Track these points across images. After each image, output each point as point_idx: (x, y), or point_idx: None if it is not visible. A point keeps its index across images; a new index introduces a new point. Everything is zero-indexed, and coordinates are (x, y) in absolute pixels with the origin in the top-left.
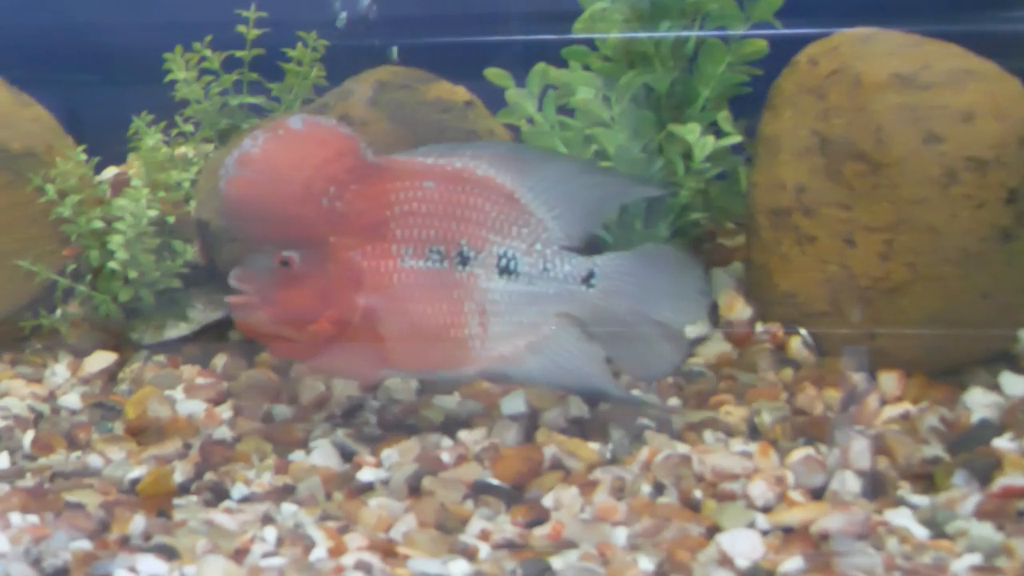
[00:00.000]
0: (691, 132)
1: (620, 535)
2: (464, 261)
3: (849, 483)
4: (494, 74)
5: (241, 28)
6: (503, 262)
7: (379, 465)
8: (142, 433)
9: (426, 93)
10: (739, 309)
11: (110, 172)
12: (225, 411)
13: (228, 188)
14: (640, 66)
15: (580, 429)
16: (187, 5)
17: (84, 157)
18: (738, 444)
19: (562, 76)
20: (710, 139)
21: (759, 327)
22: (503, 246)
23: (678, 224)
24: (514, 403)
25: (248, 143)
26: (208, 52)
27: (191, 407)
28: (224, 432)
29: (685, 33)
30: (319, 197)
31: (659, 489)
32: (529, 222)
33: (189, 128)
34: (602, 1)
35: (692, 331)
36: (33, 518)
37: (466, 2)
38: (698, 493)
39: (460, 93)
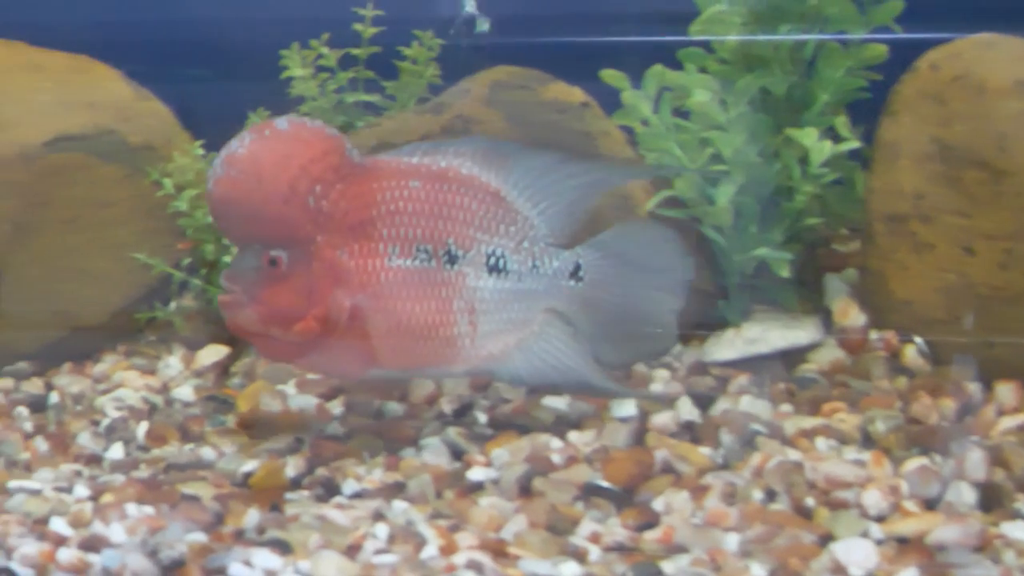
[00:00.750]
0: (808, 136)
1: (732, 541)
2: (452, 260)
3: (964, 494)
4: (610, 75)
5: (358, 26)
6: (492, 260)
7: (489, 464)
8: (254, 427)
9: (542, 93)
10: (853, 316)
11: None
12: (336, 407)
13: (214, 188)
14: (758, 69)
15: (691, 433)
16: (305, 2)
17: (201, 152)
18: (851, 452)
19: (678, 78)
20: (827, 144)
21: (873, 334)
22: (491, 244)
23: (793, 229)
24: (625, 406)
25: (235, 143)
26: (325, 49)
27: (303, 402)
28: (335, 428)
29: (804, 36)
30: (304, 197)
31: (771, 495)
32: (516, 220)
33: None
34: (720, 4)
35: (805, 337)
36: (148, 509)
37: (582, 3)
38: (810, 500)
39: (576, 94)
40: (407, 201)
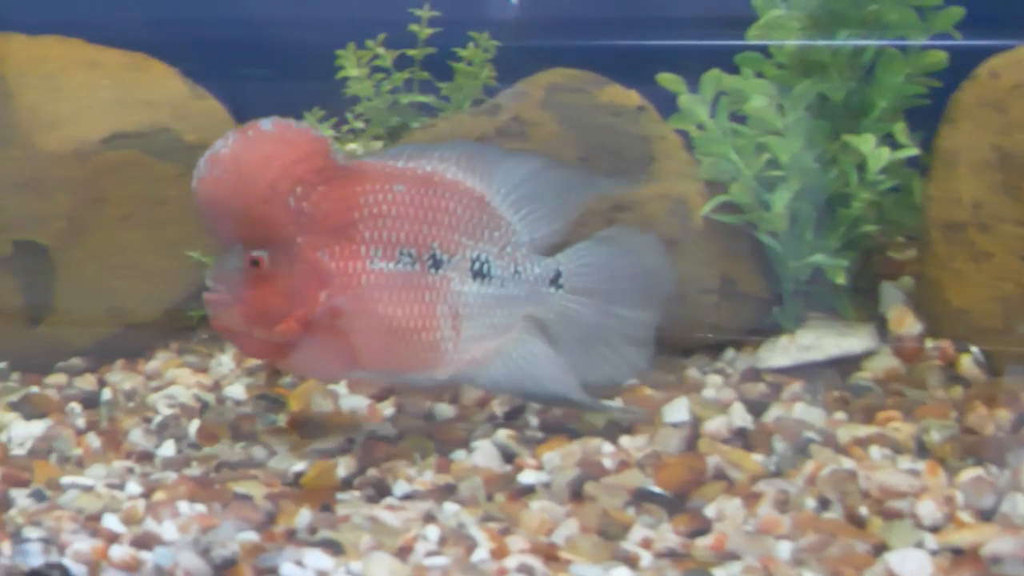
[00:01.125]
0: (866, 143)
1: (784, 549)
2: (437, 264)
3: (1020, 506)
4: (667, 79)
5: (414, 27)
6: (476, 265)
7: (540, 468)
8: (305, 426)
9: (598, 97)
10: (909, 324)
11: None
12: (387, 408)
13: (198, 187)
14: (816, 75)
15: (743, 440)
16: (361, 3)
17: None
18: (906, 462)
19: (735, 83)
20: (885, 151)
21: (929, 343)
22: (476, 249)
23: (849, 236)
24: (677, 411)
25: (219, 143)
26: (381, 50)
27: (354, 402)
28: (387, 429)
29: (863, 42)
30: (285, 197)
31: (824, 504)
32: (499, 225)
33: (359, 125)
34: (778, 8)
35: (859, 345)
36: (200, 507)
37: (638, 6)
38: (864, 510)
39: (632, 98)
40: (390, 204)
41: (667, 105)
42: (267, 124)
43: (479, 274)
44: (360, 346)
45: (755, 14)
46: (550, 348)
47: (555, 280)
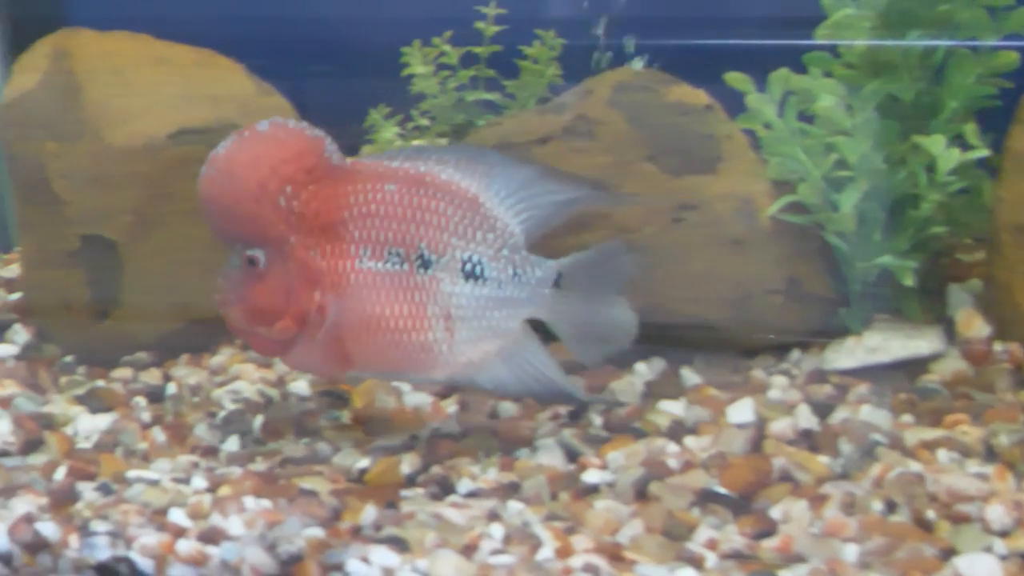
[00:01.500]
0: (936, 144)
1: (851, 552)
2: (426, 264)
3: None
4: (735, 78)
5: (480, 24)
6: (468, 267)
7: (604, 467)
8: (369, 423)
9: (666, 95)
10: (977, 327)
11: None
12: (451, 405)
13: (199, 186)
14: (886, 75)
15: (809, 441)
16: (426, 0)
17: None
18: (974, 465)
19: (803, 82)
20: (955, 152)
21: (998, 346)
22: (467, 250)
23: (918, 237)
24: (742, 411)
25: (220, 144)
26: (447, 47)
27: (418, 399)
28: (450, 426)
29: (934, 43)
30: (275, 196)
31: (891, 507)
32: (494, 227)
33: (424, 122)
34: (848, 8)
35: (927, 347)
36: (266, 503)
37: (706, 5)
38: (931, 513)
39: (700, 97)
40: (379, 204)
41: (733, 105)
42: (263, 125)
43: (471, 275)
44: (351, 345)
45: (823, 14)
46: (545, 348)
47: (557, 282)
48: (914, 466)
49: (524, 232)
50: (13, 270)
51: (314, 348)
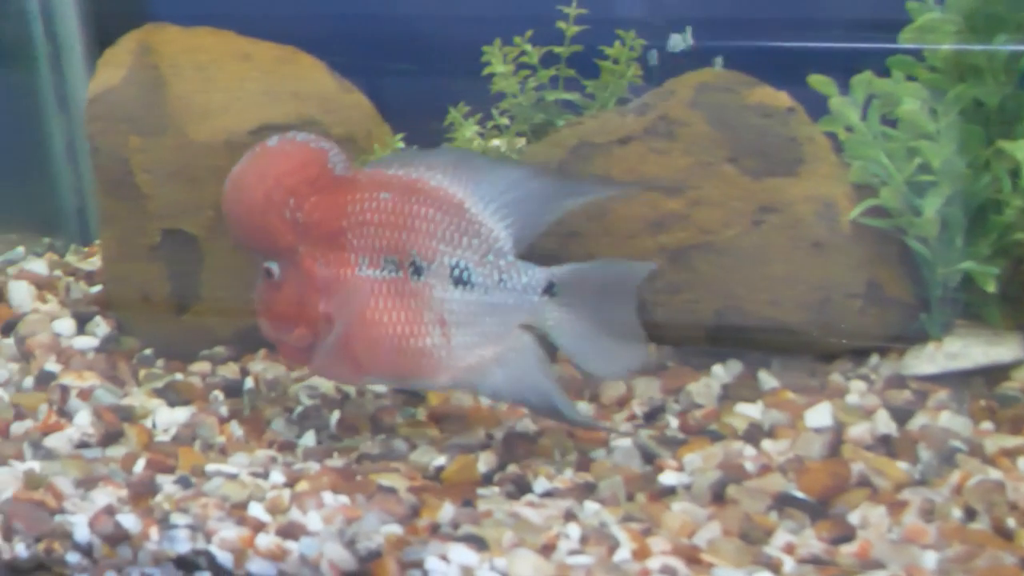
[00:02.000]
0: (1020, 149)
1: (930, 559)
2: (418, 271)
3: None
4: (818, 81)
5: (561, 24)
6: (456, 272)
7: (681, 469)
8: (444, 421)
9: (748, 97)
10: None
11: None
12: None
13: (222, 202)
14: (970, 79)
15: (887, 447)
16: None
17: (401, 145)
18: None
19: (886, 86)
20: None
21: None
22: (454, 256)
23: (1000, 243)
24: (820, 416)
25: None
26: (528, 46)
27: None
28: (526, 425)
29: (1021, 47)
30: (280, 208)
31: (970, 514)
32: (479, 232)
33: (504, 122)
34: (933, 12)
35: (1008, 354)
36: (344, 499)
37: (788, 7)
38: (1011, 521)
39: (782, 99)
40: (375, 212)
41: (814, 107)
42: (272, 140)
43: (460, 281)
44: (359, 352)
45: (906, 17)
46: (544, 359)
47: (548, 289)
48: (994, 474)
49: (513, 236)
50: (94, 263)
51: (329, 356)
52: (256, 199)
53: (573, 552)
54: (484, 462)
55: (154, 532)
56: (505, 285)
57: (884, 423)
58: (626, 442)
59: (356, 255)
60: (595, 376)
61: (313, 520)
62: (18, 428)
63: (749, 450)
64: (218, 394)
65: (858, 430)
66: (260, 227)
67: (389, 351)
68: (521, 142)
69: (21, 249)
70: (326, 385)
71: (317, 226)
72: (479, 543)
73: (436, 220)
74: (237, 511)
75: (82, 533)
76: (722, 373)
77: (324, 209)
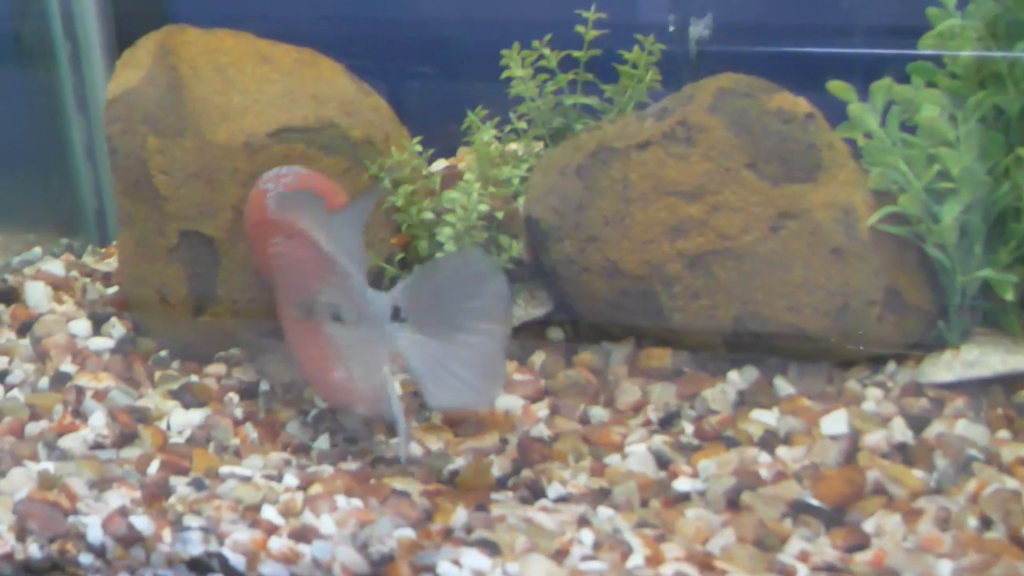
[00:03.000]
0: None
1: (945, 568)
2: (310, 311)
3: None
4: (837, 87)
5: (580, 28)
6: (332, 310)
7: (695, 475)
8: (459, 424)
9: (767, 103)
10: None
11: (440, 164)
12: (542, 409)
13: None
14: (991, 86)
15: (903, 455)
16: (526, 3)
17: (419, 148)
18: None
19: (906, 92)
20: None
21: None
22: (327, 295)
23: (1020, 251)
24: (836, 423)
25: None
26: (546, 50)
27: (508, 402)
28: (541, 430)
29: None
30: (262, 251)
31: (986, 523)
32: (335, 269)
33: (522, 125)
34: (954, 18)
35: None
36: (357, 502)
37: (806, 13)
38: None
39: (801, 105)
40: (279, 257)
41: (833, 113)
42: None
43: (336, 318)
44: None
45: (926, 23)
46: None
47: (396, 315)
48: (1010, 483)
49: (357, 267)
50: (111, 264)
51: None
52: (250, 244)
53: (586, 558)
54: (499, 466)
55: (167, 534)
56: (363, 317)
57: (900, 431)
58: (641, 447)
59: (283, 295)
60: (441, 408)
61: (326, 523)
62: (33, 428)
63: (764, 457)
64: (233, 396)
65: (874, 438)
66: (260, 267)
67: (325, 384)
68: (539, 146)
69: (38, 249)
70: None
71: (267, 268)
72: (492, 548)
73: (311, 261)
74: (250, 513)
75: (95, 534)
76: (738, 379)
77: (263, 251)
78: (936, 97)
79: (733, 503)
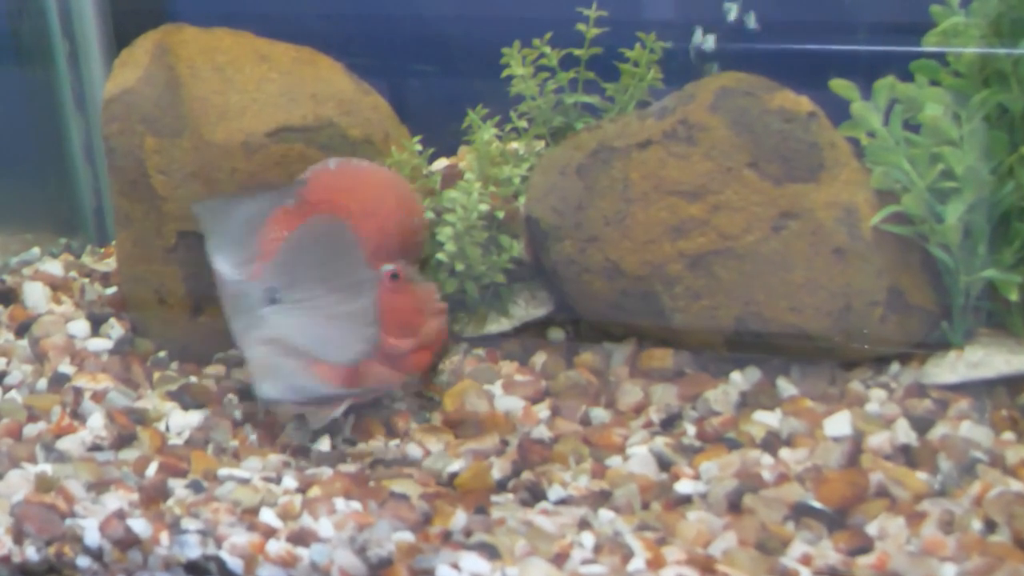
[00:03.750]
0: None
1: (949, 571)
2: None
3: None
4: (839, 85)
5: (581, 26)
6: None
7: (697, 477)
8: (460, 426)
9: (769, 102)
10: None
11: (440, 163)
12: (543, 410)
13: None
14: (995, 84)
15: (907, 457)
16: (526, 1)
17: (419, 147)
18: None
19: (909, 91)
20: None
21: None
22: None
23: None
24: (839, 424)
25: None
26: (547, 49)
27: (509, 403)
28: (542, 431)
29: None
30: None
31: (990, 526)
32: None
33: (523, 124)
34: (958, 16)
35: None
36: (356, 504)
37: (809, 11)
38: None
39: (803, 104)
40: None
41: (835, 112)
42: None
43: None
44: None
45: (929, 21)
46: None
47: (273, 299)
48: (1015, 485)
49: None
50: (109, 264)
51: None
52: None
53: (586, 561)
54: (499, 468)
55: (165, 537)
56: (238, 310)
57: (904, 432)
58: (642, 449)
59: None
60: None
61: (324, 526)
62: (31, 430)
63: (766, 459)
64: (232, 397)
65: (877, 439)
66: None
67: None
68: (540, 145)
69: (37, 250)
70: None
71: None
72: (491, 551)
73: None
74: (248, 516)
75: (92, 537)
76: (740, 380)
77: None
78: (940, 96)
79: (735, 505)
